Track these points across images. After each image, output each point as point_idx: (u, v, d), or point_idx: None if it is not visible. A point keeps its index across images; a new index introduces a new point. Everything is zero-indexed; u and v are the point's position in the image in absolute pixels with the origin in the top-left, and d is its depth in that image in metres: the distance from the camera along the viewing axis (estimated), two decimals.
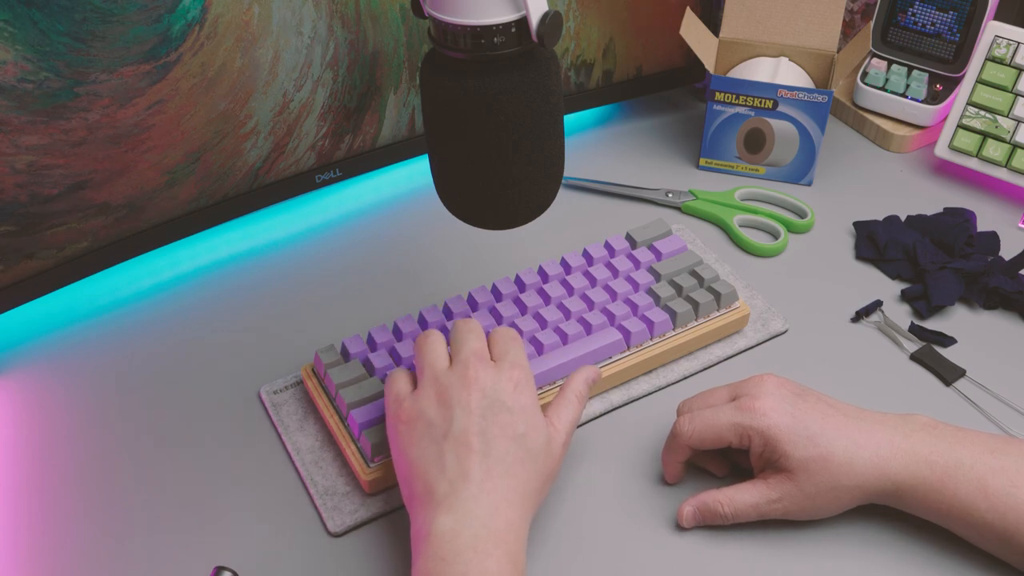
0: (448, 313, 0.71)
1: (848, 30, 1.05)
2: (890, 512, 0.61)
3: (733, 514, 0.60)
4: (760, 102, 0.87)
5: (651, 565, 0.60)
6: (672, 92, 1.01)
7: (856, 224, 0.84)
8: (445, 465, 0.54)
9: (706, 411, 0.61)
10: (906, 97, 0.94)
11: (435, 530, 0.52)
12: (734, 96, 0.87)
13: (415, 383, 0.60)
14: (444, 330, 0.70)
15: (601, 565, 0.60)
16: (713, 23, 0.94)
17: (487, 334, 0.61)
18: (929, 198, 0.88)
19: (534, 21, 0.52)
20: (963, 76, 0.91)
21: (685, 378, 0.72)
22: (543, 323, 0.70)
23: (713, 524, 0.61)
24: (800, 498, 0.59)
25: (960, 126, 0.88)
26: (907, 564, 0.59)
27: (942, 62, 0.93)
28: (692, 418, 0.61)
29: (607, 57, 0.91)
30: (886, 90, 0.95)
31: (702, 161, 0.92)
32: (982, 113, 0.87)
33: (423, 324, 0.70)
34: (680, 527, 0.62)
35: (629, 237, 0.78)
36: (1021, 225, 0.86)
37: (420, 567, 0.52)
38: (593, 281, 0.74)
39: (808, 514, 0.60)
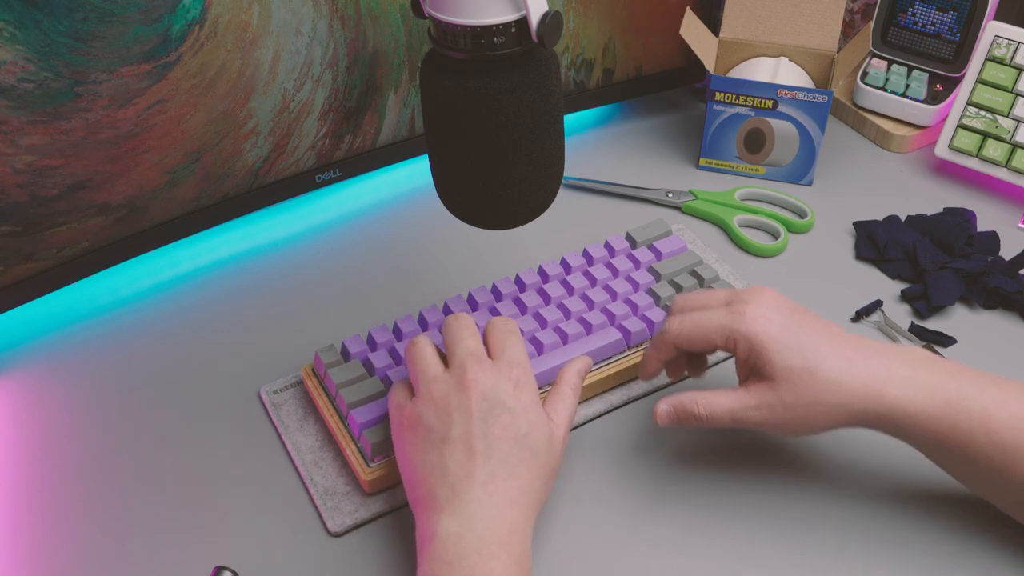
0: (448, 313, 0.71)
1: (848, 30, 1.05)
2: (895, 513, 0.61)
3: (708, 416, 0.59)
4: (760, 102, 0.87)
5: (651, 565, 0.60)
6: (672, 92, 1.01)
7: (856, 224, 0.84)
8: (447, 469, 0.54)
9: (697, 312, 0.60)
10: (906, 97, 0.94)
11: (439, 533, 0.52)
12: (734, 96, 0.87)
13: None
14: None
15: (601, 565, 0.60)
16: (713, 23, 0.94)
17: (484, 326, 0.61)
18: (929, 198, 0.88)
19: (534, 21, 0.52)
20: (963, 76, 0.91)
21: (685, 378, 0.72)
22: (543, 323, 0.70)
23: (687, 425, 0.61)
24: (778, 408, 0.57)
25: (960, 126, 0.88)
26: (908, 565, 0.60)
27: (942, 62, 0.93)
28: (683, 318, 0.61)
29: (607, 57, 0.91)
30: (886, 90, 0.95)
31: (702, 161, 0.92)
32: (982, 113, 0.87)
33: (423, 324, 0.70)
34: (656, 424, 0.61)
35: (629, 237, 0.78)
36: (1021, 225, 0.86)
37: (425, 570, 0.52)
38: (593, 281, 0.74)
39: (784, 428, 0.59)
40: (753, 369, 0.59)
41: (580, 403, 0.68)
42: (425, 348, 0.59)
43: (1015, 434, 0.55)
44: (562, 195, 0.85)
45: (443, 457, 0.54)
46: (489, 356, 0.59)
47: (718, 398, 0.59)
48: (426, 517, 0.54)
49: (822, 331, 0.58)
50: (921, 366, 0.57)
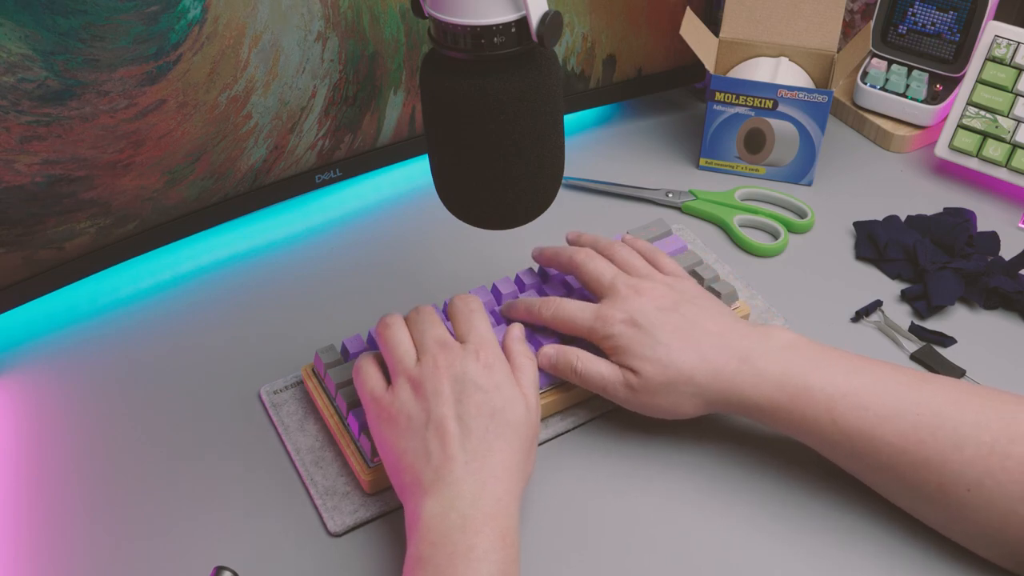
0: (448, 314, 0.70)
1: (848, 30, 1.05)
2: (894, 527, 0.61)
3: (582, 373, 0.64)
4: (760, 102, 0.87)
5: (646, 565, 0.60)
6: (672, 92, 1.01)
7: (856, 224, 0.84)
8: (429, 453, 0.56)
9: (571, 306, 0.65)
10: (906, 97, 0.94)
11: (423, 515, 0.54)
12: (734, 96, 0.87)
13: (382, 371, 0.62)
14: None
15: (594, 564, 0.60)
16: (713, 23, 0.94)
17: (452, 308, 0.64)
18: (929, 198, 0.88)
19: (534, 21, 0.52)
20: (963, 76, 0.91)
21: None
22: None
23: (563, 376, 0.65)
24: (641, 392, 0.62)
25: (960, 126, 0.88)
26: (905, 568, 0.60)
27: (942, 62, 0.93)
28: (560, 306, 0.65)
29: (607, 56, 0.91)
30: (886, 90, 0.95)
31: (702, 161, 0.92)
32: (982, 113, 0.87)
33: None
34: (541, 367, 0.65)
35: None
36: (1021, 225, 0.86)
37: (411, 554, 0.53)
38: None
39: (649, 409, 0.63)
40: (618, 360, 0.63)
41: (573, 407, 0.68)
42: (399, 333, 0.61)
43: (859, 423, 0.58)
44: (562, 195, 0.85)
45: (425, 443, 0.56)
46: (457, 338, 0.61)
47: (596, 363, 0.64)
48: (412, 502, 0.55)
49: (684, 327, 0.62)
50: (775, 358, 0.60)
